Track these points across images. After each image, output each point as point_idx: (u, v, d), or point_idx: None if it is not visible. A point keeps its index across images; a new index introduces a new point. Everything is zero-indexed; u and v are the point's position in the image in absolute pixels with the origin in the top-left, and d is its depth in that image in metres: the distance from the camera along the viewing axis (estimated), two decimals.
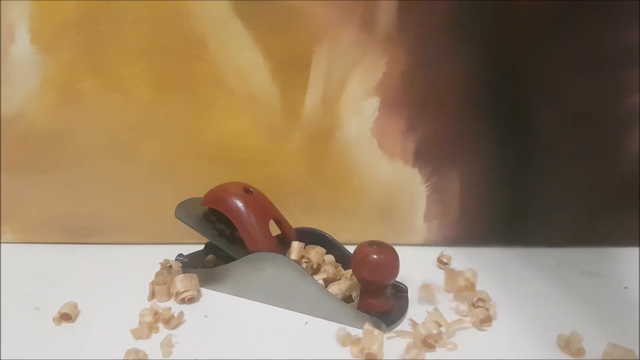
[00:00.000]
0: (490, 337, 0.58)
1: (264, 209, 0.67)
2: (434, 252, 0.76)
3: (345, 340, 0.55)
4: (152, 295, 0.64)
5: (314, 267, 0.64)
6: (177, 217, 0.65)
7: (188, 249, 0.72)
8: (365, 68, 0.74)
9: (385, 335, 0.56)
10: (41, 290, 0.63)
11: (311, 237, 0.69)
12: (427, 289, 0.64)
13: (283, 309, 0.62)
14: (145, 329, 0.56)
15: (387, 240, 0.61)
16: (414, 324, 0.56)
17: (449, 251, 0.76)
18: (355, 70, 0.74)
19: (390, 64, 0.74)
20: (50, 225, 0.80)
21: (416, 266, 0.74)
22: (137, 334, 0.56)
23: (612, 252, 0.77)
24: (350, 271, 0.62)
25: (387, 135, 0.77)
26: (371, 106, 0.76)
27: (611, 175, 0.78)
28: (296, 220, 0.70)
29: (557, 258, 0.74)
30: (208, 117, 0.76)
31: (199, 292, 0.64)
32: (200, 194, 0.67)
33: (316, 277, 0.63)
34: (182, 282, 0.64)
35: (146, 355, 0.52)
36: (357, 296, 0.60)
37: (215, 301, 0.64)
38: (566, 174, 0.78)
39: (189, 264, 0.69)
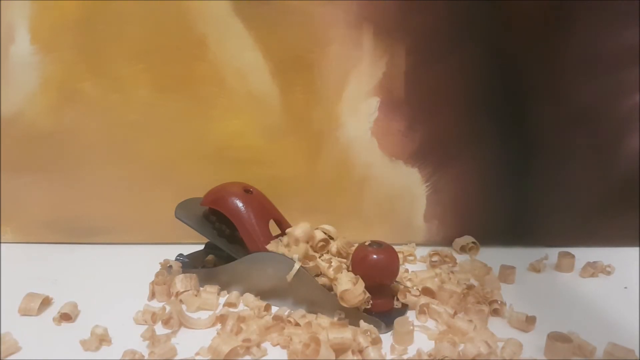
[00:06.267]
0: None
1: (264, 209, 0.67)
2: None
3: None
4: (152, 295, 0.64)
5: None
6: (177, 217, 0.65)
7: (188, 249, 0.72)
8: (365, 68, 0.74)
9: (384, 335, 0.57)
10: (41, 290, 0.63)
11: None
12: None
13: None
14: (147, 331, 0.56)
15: (387, 240, 0.61)
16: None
17: (449, 251, 0.76)
18: (355, 70, 0.74)
19: (390, 64, 0.74)
20: (50, 225, 0.80)
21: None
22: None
23: (612, 252, 0.77)
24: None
25: (387, 135, 0.77)
26: (371, 106, 0.76)
27: (611, 175, 0.78)
28: (296, 220, 0.70)
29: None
30: (208, 117, 0.76)
31: (198, 292, 0.64)
32: (200, 194, 0.67)
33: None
34: (182, 282, 0.64)
35: (143, 356, 0.52)
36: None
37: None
38: (566, 173, 0.78)
39: (189, 264, 0.69)
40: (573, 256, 0.74)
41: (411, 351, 0.54)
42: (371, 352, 0.52)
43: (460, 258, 0.76)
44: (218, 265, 0.67)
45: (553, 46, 0.73)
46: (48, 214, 0.80)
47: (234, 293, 0.64)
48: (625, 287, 0.69)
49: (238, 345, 0.53)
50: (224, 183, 0.68)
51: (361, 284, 0.57)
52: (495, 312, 0.61)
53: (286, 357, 0.53)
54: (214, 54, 0.74)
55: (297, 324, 0.57)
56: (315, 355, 0.51)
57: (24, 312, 0.61)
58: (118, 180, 0.78)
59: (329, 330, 0.53)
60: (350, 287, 0.56)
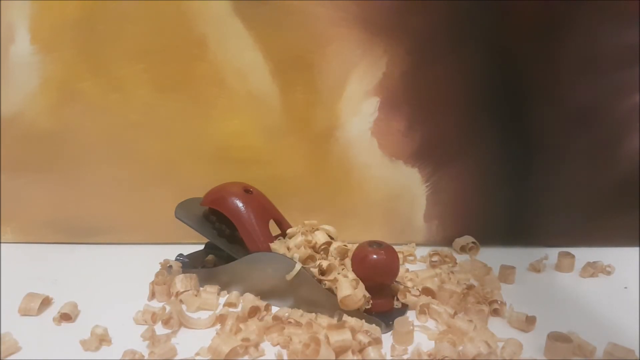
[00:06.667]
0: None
1: (264, 209, 0.67)
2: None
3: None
4: (152, 295, 0.64)
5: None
6: (177, 217, 0.65)
7: (188, 249, 0.72)
8: (365, 68, 0.74)
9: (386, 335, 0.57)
10: (41, 290, 0.63)
11: None
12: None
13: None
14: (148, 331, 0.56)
15: (387, 240, 0.61)
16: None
17: (449, 251, 0.76)
18: (355, 70, 0.74)
19: (390, 64, 0.74)
20: (50, 225, 0.80)
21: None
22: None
23: (612, 252, 0.77)
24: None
25: (387, 135, 0.77)
26: (371, 106, 0.76)
27: (611, 175, 0.78)
28: (296, 220, 0.70)
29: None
30: (208, 117, 0.76)
31: (198, 292, 0.64)
32: (200, 194, 0.67)
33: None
34: (182, 282, 0.64)
35: (143, 356, 0.52)
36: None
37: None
38: (566, 174, 0.78)
39: (189, 264, 0.69)
40: (573, 256, 0.74)
41: (411, 351, 0.54)
42: (371, 352, 0.52)
43: (460, 258, 0.76)
44: (218, 265, 0.67)
45: (553, 46, 0.73)
46: (48, 214, 0.80)
47: (234, 293, 0.64)
48: (625, 287, 0.69)
49: (238, 345, 0.53)
50: (224, 183, 0.68)
51: (362, 288, 0.57)
52: (495, 312, 0.61)
53: (286, 357, 0.53)
54: (214, 54, 0.74)
55: (297, 323, 0.57)
56: (315, 355, 0.51)
57: (24, 312, 0.61)
58: (118, 180, 0.78)
59: (329, 331, 0.52)
60: (351, 293, 0.56)
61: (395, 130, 0.76)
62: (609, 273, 0.73)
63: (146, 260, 0.73)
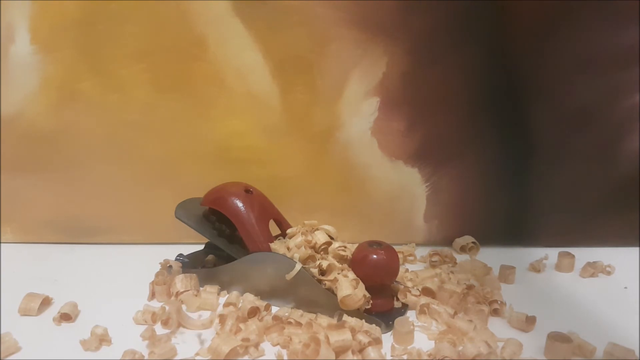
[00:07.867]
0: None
1: (264, 209, 0.67)
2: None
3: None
4: (152, 295, 0.64)
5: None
6: (177, 217, 0.65)
7: (188, 249, 0.72)
8: (365, 68, 0.74)
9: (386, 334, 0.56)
10: (41, 290, 0.63)
11: None
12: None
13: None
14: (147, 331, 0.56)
15: (387, 240, 0.61)
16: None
17: (449, 251, 0.76)
18: (355, 70, 0.74)
19: (390, 64, 0.74)
20: (50, 225, 0.80)
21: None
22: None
23: (612, 252, 0.77)
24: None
25: (387, 135, 0.77)
26: (371, 106, 0.76)
27: (611, 175, 0.78)
28: (296, 220, 0.70)
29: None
30: (208, 117, 0.76)
31: (198, 292, 0.64)
32: (200, 194, 0.67)
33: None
34: (182, 282, 0.64)
35: (143, 356, 0.52)
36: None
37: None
38: (566, 174, 0.78)
39: (189, 264, 0.69)
40: (573, 256, 0.74)
41: (411, 351, 0.54)
42: (371, 352, 0.52)
43: (460, 258, 0.76)
44: (218, 265, 0.67)
45: (553, 46, 0.73)
46: (48, 214, 0.80)
47: (234, 293, 0.64)
48: (625, 287, 0.69)
49: (238, 345, 0.53)
50: (224, 183, 0.68)
51: (362, 288, 0.57)
52: (495, 312, 0.61)
53: (286, 357, 0.53)
54: (214, 54, 0.74)
55: (297, 323, 0.57)
56: (315, 355, 0.51)
57: (24, 312, 0.61)
58: (118, 180, 0.78)
59: (329, 331, 0.52)
60: (351, 292, 0.56)
61: (395, 130, 0.77)
62: (609, 273, 0.73)
63: (146, 260, 0.73)
